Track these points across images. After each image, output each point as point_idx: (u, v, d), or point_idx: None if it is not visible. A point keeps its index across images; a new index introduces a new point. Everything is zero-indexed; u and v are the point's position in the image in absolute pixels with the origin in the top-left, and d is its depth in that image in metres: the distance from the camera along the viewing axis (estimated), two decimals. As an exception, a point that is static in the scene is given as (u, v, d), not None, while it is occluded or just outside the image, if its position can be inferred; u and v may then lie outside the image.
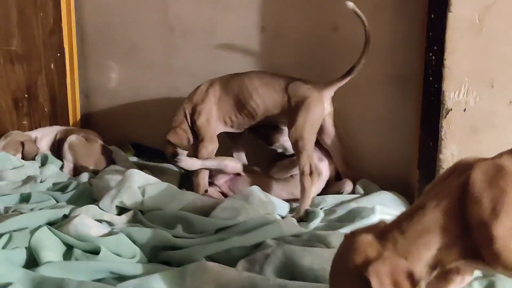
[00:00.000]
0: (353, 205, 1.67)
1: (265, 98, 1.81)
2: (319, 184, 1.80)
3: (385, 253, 0.85)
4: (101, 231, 1.39)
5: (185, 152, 1.88)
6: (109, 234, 1.38)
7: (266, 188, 1.82)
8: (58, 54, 2.53)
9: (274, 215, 1.58)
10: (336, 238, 1.39)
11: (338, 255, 0.93)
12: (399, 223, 0.90)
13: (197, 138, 1.93)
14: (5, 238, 1.29)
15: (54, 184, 1.97)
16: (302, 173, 1.68)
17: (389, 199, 1.75)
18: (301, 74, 1.99)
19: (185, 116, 1.96)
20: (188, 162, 1.83)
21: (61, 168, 2.19)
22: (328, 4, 1.94)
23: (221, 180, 1.88)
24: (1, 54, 2.28)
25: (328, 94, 1.78)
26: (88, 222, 1.40)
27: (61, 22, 2.50)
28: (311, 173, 1.67)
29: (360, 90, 1.90)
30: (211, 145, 1.89)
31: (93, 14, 2.56)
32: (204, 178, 1.87)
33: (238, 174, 1.89)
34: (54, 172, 2.12)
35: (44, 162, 2.21)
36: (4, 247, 1.27)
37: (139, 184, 1.65)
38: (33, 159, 2.23)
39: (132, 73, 2.50)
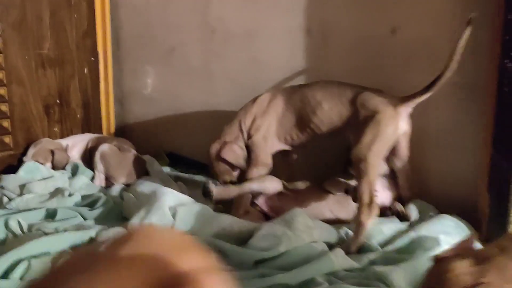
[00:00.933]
0: (412, 234, 1.45)
1: (330, 113, 1.57)
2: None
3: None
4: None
5: (214, 185, 1.67)
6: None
7: (310, 207, 1.63)
8: (92, 58, 2.42)
9: (321, 243, 1.38)
10: (399, 276, 1.19)
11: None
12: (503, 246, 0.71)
13: (249, 155, 1.74)
14: (23, 266, 1.15)
15: (83, 197, 1.84)
16: (360, 202, 1.43)
17: (452, 225, 1.52)
18: (355, 81, 1.79)
19: (241, 130, 1.74)
20: (224, 193, 1.66)
21: (92, 178, 2.06)
22: (386, 3, 1.74)
23: (261, 200, 1.69)
24: (32, 58, 2.17)
25: (405, 110, 1.49)
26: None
27: (95, 24, 2.39)
28: (370, 203, 1.41)
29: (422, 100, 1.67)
30: (263, 168, 1.69)
31: (129, 16, 2.43)
32: (244, 197, 1.70)
33: (280, 192, 1.71)
34: (84, 183, 1.99)
35: (74, 172, 2.09)
36: (21, 278, 1.12)
37: (171, 204, 1.50)
38: (64, 168, 2.12)
39: (169, 78, 2.35)
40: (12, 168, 2.09)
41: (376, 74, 1.78)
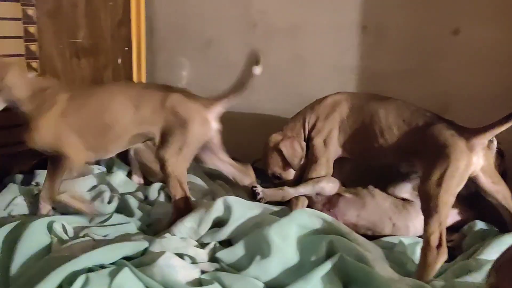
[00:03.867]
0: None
1: (399, 140, 1.47)
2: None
3: None
4: (190, 274, 1.17)
5: (261, 187, 1.61)
6: (199, 281, 1.15)
7: (367, 211, 1.57)
8: (126, 48, 2.33)
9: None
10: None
11: None
12: None
13: (307, 156, 1.67)
14: (81, 280, 1.08)
15: (117, 197, 1.76)
16: (426, 243, 1.31)
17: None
18: (408, 83, 1.71)
19: (303, 127, 1.68)
20: (277, 195, 1.59)
21: (129, 174, 1.99)
22: (448, 3, 1.64)
23: (319, 205, 1.62)
24: (67, 47, 2.08)
25: (479, 144, 1.34)
26: (174, 262, 1.18)
27: (130, 13, 2.30)
28: (439, 246, 1.29)
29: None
30: (323, 171, 1.62)
31: (165, 5, 2.34)
32: (300, 199, 1.63)
33: (338, 194, 1.63)
34: (122, 180, 1.93)
35: (110, 167, 2.01)
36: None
37: (220, 213, 1.42)
38: (97, 163, 2.04)
39: (205, 71, 2.27)
40: (45, 162, 2.02)
41: (433, 77, 1.70)
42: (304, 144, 1.68)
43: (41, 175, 1.82)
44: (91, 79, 2.20)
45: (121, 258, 1.22)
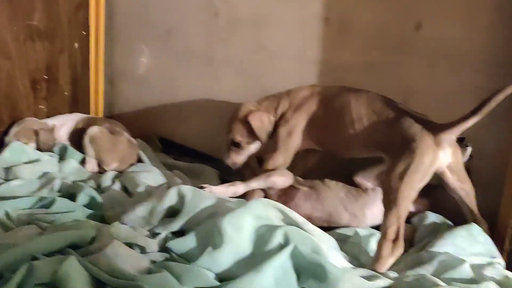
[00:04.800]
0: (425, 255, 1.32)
1: (369, 131, 1.46)
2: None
3: None
4: (139, 264, 1.12)
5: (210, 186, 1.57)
6: (148, 271, 1.11)
7: (322, 203, 1.57)
8: (84, 33, 2.25)
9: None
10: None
11: None
12: None
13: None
14: (24, 268, 1.03)
15: (72, 183, 1.70)
16: (383, 235, 1.30)
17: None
18: (370, 76, 1.72)
19: (275, 111, 1.66)
20: (228, 191, 1.57)
21: (82, 162, 1.93)
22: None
23: (274, 197, 1.61)
24: (21, 30, 1.99)
25: (447, 139, 1.32)
26: (122, 251, 1.13)
27: (90, -2, 2.22)
28: (396, 240, 1.29)
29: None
30: (280, 161, 1.62)
31: (125, -10, 2.28)
32: (255, 192, 1.61)
33: (293, 187, 1.63)
34: (74, 167, 1.87)
35: (62, 154, 1.94)
36: (22, 282, 1.01)
37: (173, 202, 1.39)
38: (49, 150, 1.97)
39: (166, 60, 2.22)
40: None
41: (395, 71, 1.70)
42: (273, 121, 1.66)
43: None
44: (46, 64, 2.12)
45: (68, 247, 1.17)
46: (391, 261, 1.30)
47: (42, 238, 1.15)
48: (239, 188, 1.60)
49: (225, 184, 1.60)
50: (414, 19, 1.64)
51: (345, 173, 1.62)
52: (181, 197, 1.38)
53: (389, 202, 1.32)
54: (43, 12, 2.06)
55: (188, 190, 1.40)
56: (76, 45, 2.23)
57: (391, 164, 1.35)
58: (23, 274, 1.02)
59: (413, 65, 1.66)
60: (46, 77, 2.13)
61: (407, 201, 1.32)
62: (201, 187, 1.52)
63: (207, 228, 1.26)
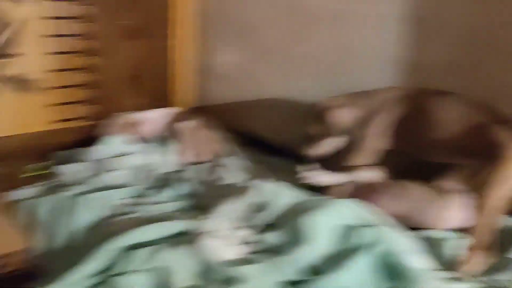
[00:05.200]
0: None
1: (454, 135, 1.43)
2: None
3: None
4: (228, 255, 1.20)
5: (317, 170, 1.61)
6: (245, 259, 1.18)
7: (404, 202, 1.55)
8: (173, 31, 2.36)
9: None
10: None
11: None
12: None
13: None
14: (125, 256, 1.13)
15: (166, 174, 1.81)
16: (473, 241, 1.29)
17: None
18: (456, 76, 1.67)
19: (358, 107, 1.65)
20: (322, 179, 1.59)
21: (175, 154, 2.03)
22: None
23: (354, 186, 1.62)
24: (115, 29, 2.13)
25: None
26: (213, 242, 1.22)
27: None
28: (483, 246, 1.28)
29: None
30: (363, 158, 1.62)
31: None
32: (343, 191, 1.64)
33: (374, 185, 1.63)
34: (168, 159, 1.97)
35: (157, 146, 2.06)
36: (124, 269, 1.11)
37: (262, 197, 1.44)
38: (144, 142, 2.10)
39: (247, 57, 2.28)
40: (91, 139, 2.10)
41: (487, 72, 1.64)
42: (354, 118, 1.66)
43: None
44: (141, 61, 2.25)
45: (165, 236, 1.27)
46: (479, 267, 1.28)
47: (139, 229, 1.24)
48: (336, 178, 1.61)
49: (323, 173, 1.63)
50: (504, 15, 1.57)
51: (426, 175, 1.59)
52: (271, 192, 1.44)
53: (480, 209, 1.30)
54: (138, 12, 2.19)
55: (278, 185, 1.45)
56: (166, 43, 2.34)
57: (479, 172, 1.33)
58: (125, 261, 1.12)
59: (503, 64, 1.59)
60: (140, 73, 2.27)
61: (497, 209, 1.29)
62: (301, 176, 1.56)
63: (297, 224, 1.31)
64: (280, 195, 1.45)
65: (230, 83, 2.38)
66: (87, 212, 1.43)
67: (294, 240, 1.28)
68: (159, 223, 1.29)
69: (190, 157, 2.02)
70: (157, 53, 2.32)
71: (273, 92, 2.20)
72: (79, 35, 2.03)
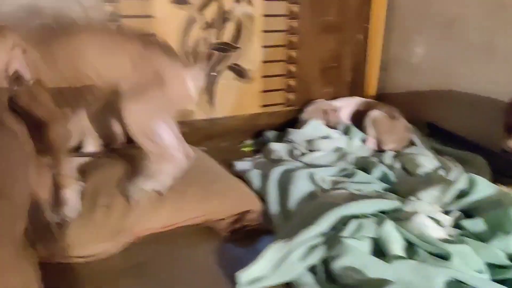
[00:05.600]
0: None
1: None
2: None
3: None
4: (439, 234, 1.35)
5: None
6: (449, 240, 1.33)
7: None
8: (366, 25, 2.54)
9: None
10: None
11: None
12: None
13: None
14: (354, 223, 1.36)
15: (362, 158, 2.01)
16: None
17: None
18: None
19: None
20: None
21: (363, 140, 2.23)
22: None
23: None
24: (317, 24, 2.38)
25: None
26: (427, 222, 1.38)
27: (374, -8, 2.49)
28: None
29: None
30: None
31: (408, -16, 2.47)
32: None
33: None
34: (357, 145, 2.18)
35: (346, 132, 2.28)
36: (354, 234, 1.34)
37: (463, 186, 1.56)
38: (334, 127, 2.33)
39: (442, 50, 2.35)
40: (291, 122, 2.39)
41: None
42: None
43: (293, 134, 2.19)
44: (333, 53, 2.48)
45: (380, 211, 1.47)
46: None
47: (361, 201, 1.46)
48: None
49: None
50: None
51: None
52: (471, 183, 1.55)
53: None
54: (337, 8, 2.40)
55: (477, 178, 1.56)
56: (358, 36, 2.53)
57: None
58: (353, 229, 1.35)
59: None
60: (333, 64, 2.49)
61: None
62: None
63: (496, 214, 1.41)
64: (476, 185, 1.55)
65: (420, 75, 2.48)
66: (304, 184, 1.70)
67: (495, 228, 1.38)
68: (378, 199, 1.48)
69: (375, 145, 2.20)
70: (351, 46, 2.51)
71: (469, 86, 2.24)
72: (284, 30, 2.31)
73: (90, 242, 1.36)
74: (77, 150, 1.74)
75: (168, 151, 1.50)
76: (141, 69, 1.44)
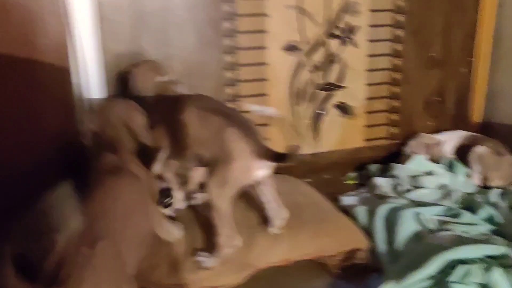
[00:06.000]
0: None
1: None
2: None
3: None
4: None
5: None
6: None
7: None
8: (469, 58, 2.55)
9: None
10: None
11: None
12: None
13: None
14: (462, 269, 1.43)
15: (467, 196, 2.05)
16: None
17: None
18: None
19: None
20: None
21: (467, 176, 2.25)
22: None
23: None
24: (421, 61, 2.44)
25: None
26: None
27: (478, 26, 2.49)
28: None
29: None
30: None
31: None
32: None
33: None
34: (462, 180, 2.20)
35: (449, 167, 2.31)
36: (462, 279, 1.41)
37: None
38: (437, 162, 2.37)
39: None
40: (394, 155, 2.47)
41: None
42: None
43: (397, 169, 2.27)
44: (437, 87, 2.52)
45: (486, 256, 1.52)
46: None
47: (468, 246, 1.52)
48: None
49: None
50: None
51: None
52: None
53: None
54: (441, 44, 2.45)
55: None
56: (462, 70, 2.55)
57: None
58: (461, 274, 1.42)
59: None
60: (436, 98, 2.54)
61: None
62: None
63: None
64: None
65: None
66: (411, 224, 1.78)
67: None
68: (486, 244, 1.54)
69: (480, 181, 2.21)
70: (455, 79, 2.54)
71: None
72: (388, 69, 2.41)
73: (220, 274, 1.56)
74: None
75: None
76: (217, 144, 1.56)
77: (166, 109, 1.70)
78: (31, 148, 1.41)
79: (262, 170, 1.57)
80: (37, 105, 1.33)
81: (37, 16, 1.25)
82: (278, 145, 2.26)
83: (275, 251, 1.66)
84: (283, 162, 1.49)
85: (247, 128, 1.57)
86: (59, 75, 1.29)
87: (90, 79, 1.84)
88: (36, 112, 1.35)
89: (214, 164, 1.55)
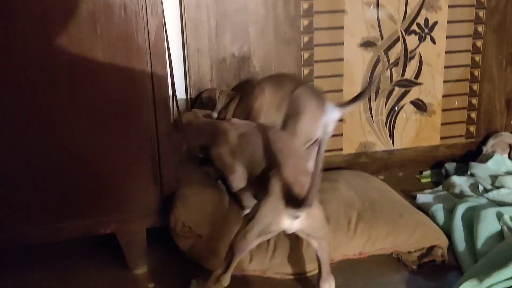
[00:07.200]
0: None
1: None
2: None
3: None
4: None
5: None
6: None
7: None
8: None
9: None
10: None
11: None
12: None
13: None
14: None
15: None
16: None
17: None
18: None
19: None
20: None
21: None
22: None
23: None
24: (504, 57, 2.36)
25: None
26: None
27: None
28: None
29: None
30: None
31: None
32: None
33: None
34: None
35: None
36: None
37: None
38: None
39: None
40: (471, 153, 2.41)
41: None
42: None
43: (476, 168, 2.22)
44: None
45: None
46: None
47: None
48: None
49: None
50: None
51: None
52: None
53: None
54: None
55: None
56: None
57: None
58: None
59: None
60: (517, 96, 2.46)
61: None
62: None
63: None
64: None
65: None
66: (492, 222, 1.74)
67: None
68: None
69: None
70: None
71: None
72: (467, 65, 2.35)
73: (298, 262, 1.62)
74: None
75: None
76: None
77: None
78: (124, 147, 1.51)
79: (330, 125, 1.70)
80: (136, 101, 1.44)
81: (138, 15, 1.34)
82: (353, 142, 2.30)
83: (351, 245, 1.69)
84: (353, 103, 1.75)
85: (315, 91, 1.77)
86: (157, 73, 1.39)
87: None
88: (135, 107, 1.45)
89: (285, 123, 1.72)
